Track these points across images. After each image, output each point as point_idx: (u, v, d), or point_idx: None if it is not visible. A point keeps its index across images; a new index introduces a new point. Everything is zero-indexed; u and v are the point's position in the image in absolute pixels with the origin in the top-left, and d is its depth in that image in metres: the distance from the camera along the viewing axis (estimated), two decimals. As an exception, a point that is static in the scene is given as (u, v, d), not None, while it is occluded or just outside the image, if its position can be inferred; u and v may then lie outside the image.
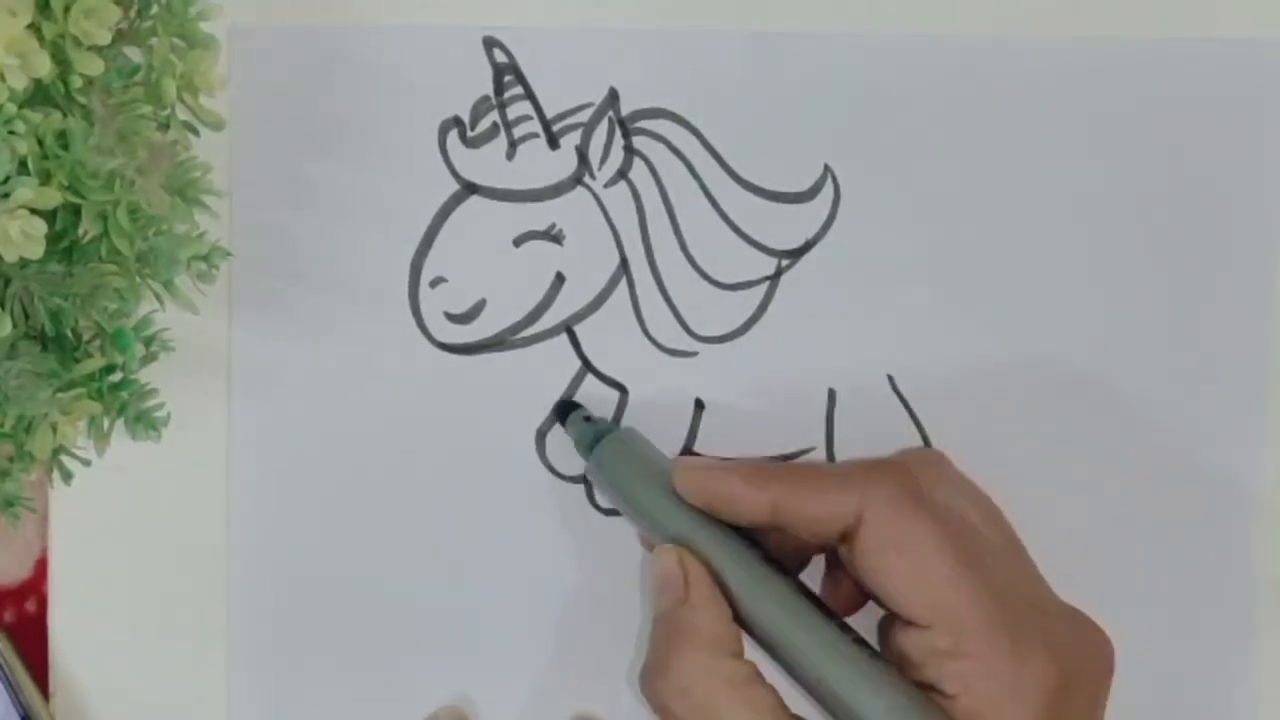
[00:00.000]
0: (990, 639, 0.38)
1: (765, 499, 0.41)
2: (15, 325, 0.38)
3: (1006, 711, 0.37)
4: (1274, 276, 0.46)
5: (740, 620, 0.40)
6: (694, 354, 0.46)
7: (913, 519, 0.39)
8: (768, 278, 0.46)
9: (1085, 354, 0.46)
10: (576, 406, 0.45)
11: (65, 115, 0.37)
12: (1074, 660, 0.39)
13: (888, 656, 0.40)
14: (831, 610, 0.40)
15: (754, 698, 0.39)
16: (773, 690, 0.39)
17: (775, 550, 0.42)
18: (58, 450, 0.41)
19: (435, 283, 0.45)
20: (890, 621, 0.40)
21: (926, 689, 0.38)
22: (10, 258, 0.35)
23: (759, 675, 0.40)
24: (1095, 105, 0.45)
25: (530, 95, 0.45)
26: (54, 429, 0.40)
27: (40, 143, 0.36)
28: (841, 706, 0.39)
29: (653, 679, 0.40)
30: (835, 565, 0.43)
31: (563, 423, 0.45)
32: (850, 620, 0.41)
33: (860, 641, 0.39)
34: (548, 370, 0.46)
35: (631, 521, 0.44)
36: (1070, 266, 0.46)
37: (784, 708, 0.39)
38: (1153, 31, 0.45)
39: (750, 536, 0.42)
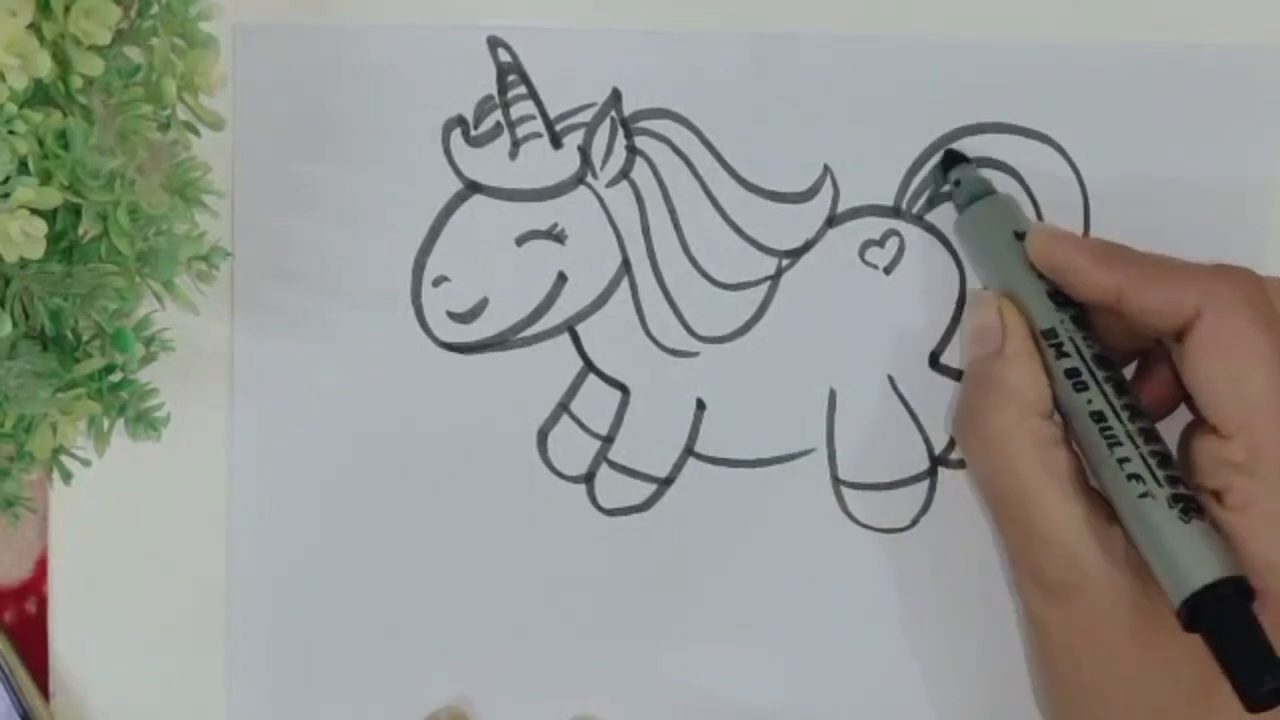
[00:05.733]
0: None
1: (1112, 281, 0.41)
2: (15, 325, 0.38)
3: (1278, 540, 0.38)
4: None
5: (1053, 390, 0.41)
6: (695, 354, 0.46)
7: (1249, 326, 0.39)
8: (769, 277, 0.46)
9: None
10: (965, 160, 0.45)
11: (65, 115, 0.37)
12: None
13: (1180, 459, 0.40)
14: (1139, 408, 0.40)
15: (1055, 459, 0.40)
16: (1075, 456, 0.40)
17: (1105, 335, 0.42)
18: (58, 450, 0.41)
19: (438, 282, 0.45)
20: (1194, 427, 0.41)
21: (1207, 494, 0.39)
22: (10, 258, 0.35)
23: (1065, 439, 0.40)
24: (1094, 108, 0.45)
25: (533, 95, 0.45)
26: (54, 429, 0.40)
27: (40, 143, 0.36)
28: (1124, 500, 0.39)
29: (961, 426, 0.42)
30: (1153, 365, 0.43)
31: (945, 171, 0.45)
32: None
33: (1158, 444, 0.40)
34: (549, 370, 0.46)
35: (982, 280, 0.45)
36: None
37: (1083, 475, 0.40)
38: (1151, 36, 0.45)
39: (1086, 322, 0.42)
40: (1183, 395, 0.42)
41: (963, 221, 0.45)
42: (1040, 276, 0.42)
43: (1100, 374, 0.41)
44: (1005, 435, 0.40)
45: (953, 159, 0.45)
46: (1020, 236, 0.43)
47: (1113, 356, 0.41)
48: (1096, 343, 0.41)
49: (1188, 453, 0.41)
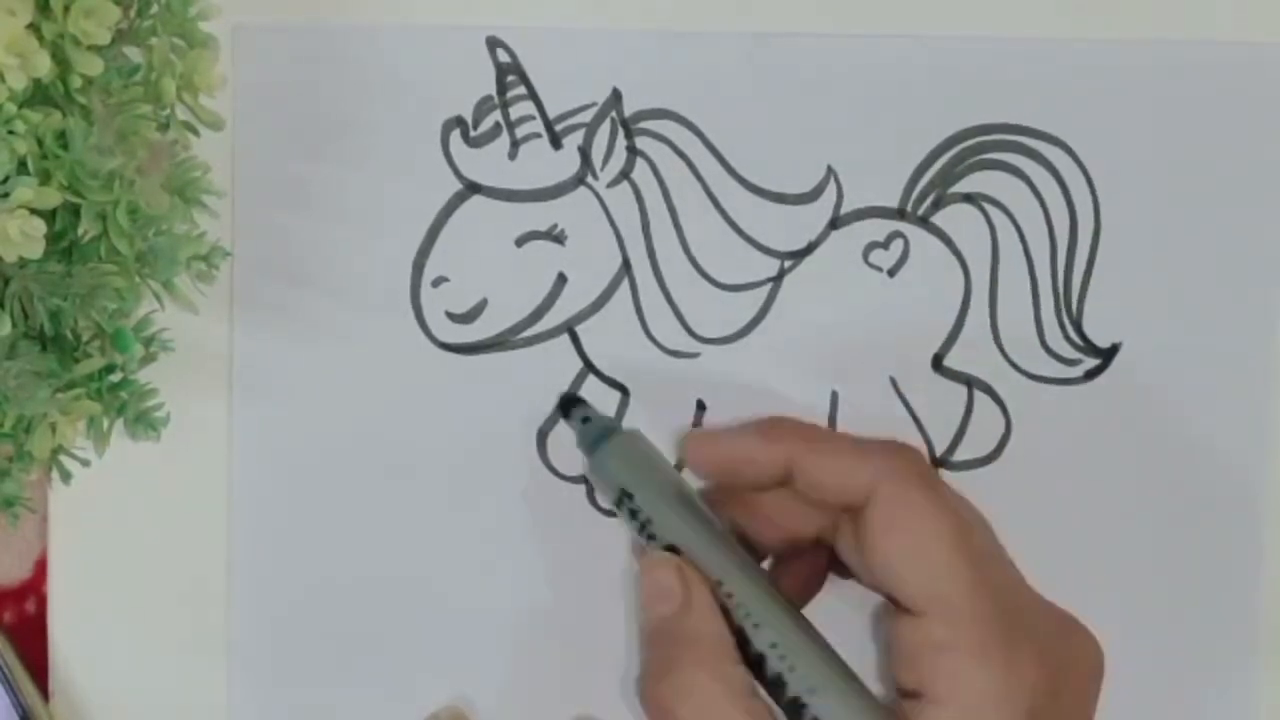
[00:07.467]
0: (985, 633, 0.38)
1: (780, 453, 0.41)
2: (15, 325, 0.38)
3: (993, 712, 0.37)
4: (1276, 282, 0.46)
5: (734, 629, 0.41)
6: (696, 355, 0.46)
7: (925, 502, 0.39)
8: (770, 279, 0.45)
9: (1087, 354, 0.46)
10: (580, 402, 0.45)
11: (65, 115, 0.37)
12: (1062, 663, 0.39)
13: (885, 652, 0.40)
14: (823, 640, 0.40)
15: (754, 709, 0.39)
16: (768, 703, 0.40)
17: (773, 532, 0.42)
18: (57, 450, 0.41)
19: (437, 282, 0.45)
20: (887, 613, 0.41)
21: (914, 698, 0.38)
22: (10, 258, 0.35)
23: (756, 687, 0.40)
24: (1096, 106, 0.45)
25: (533, 95, 0.45)
26: (54, 429, 0.40)
27: (40, 143, 0.36)
28: None
29: (655, 684, 0.40)
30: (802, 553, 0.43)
31: (565, 417, 0.45)
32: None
33: (848, 671, 0.40)
34: (549, 370, 0.46)
35: (626, 524, 0.44)
36: (1071, 267, 0.45)
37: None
38: (1154, 33, 0.45)
39: (750, 546, 0.42)
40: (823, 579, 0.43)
41: (598, 462, 0.44)
42: (692, 514, 0.42)
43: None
44: (703, 689, 0.39)
45: (568, 404, 0.45)
46: (661, 472, 0.43)
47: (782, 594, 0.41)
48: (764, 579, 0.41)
49: (888, 643, 0.40)
